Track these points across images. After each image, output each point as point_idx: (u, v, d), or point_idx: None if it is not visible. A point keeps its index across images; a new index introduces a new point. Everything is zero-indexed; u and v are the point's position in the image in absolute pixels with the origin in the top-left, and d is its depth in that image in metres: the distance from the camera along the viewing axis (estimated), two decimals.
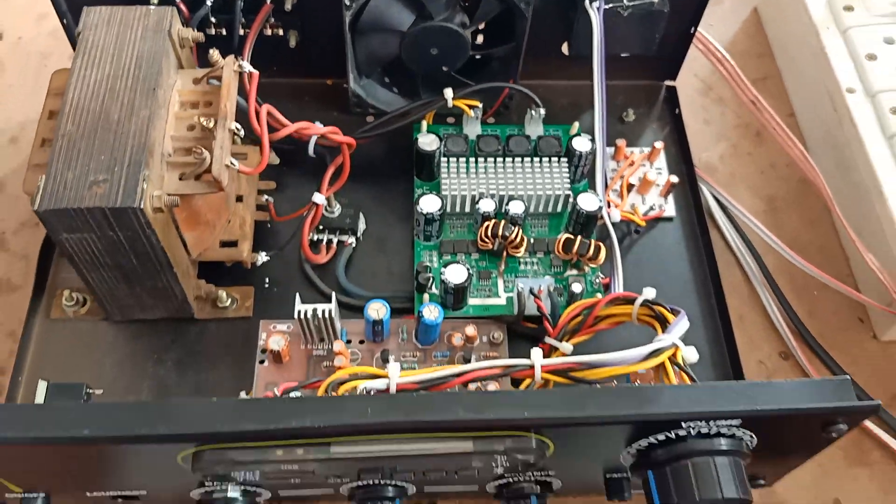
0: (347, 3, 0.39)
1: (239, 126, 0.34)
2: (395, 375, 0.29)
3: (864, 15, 0.46)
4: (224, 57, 0.35)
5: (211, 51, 0.35)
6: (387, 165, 0.44)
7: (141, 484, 0.30)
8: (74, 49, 0.34)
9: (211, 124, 0.33)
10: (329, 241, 0.40)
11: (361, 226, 0.41)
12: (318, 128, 0.37)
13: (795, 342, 0.41)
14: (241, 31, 0.41)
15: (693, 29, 0.43)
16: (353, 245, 0.41)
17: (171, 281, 0.35)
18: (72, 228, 0.31)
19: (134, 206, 0.30)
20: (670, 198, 0.43)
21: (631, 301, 0.34)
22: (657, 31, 0.42)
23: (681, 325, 0.31)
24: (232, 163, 0.33)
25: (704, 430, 0.27)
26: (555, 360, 0.30)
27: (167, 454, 0.27)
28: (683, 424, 0.27)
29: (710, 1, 0.43)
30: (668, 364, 0.30)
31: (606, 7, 0.40)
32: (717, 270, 0.41)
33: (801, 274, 0.43)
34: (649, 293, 0.34)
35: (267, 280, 0.40)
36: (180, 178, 0.33)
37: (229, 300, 0.39)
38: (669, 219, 0.43)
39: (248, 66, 0.36)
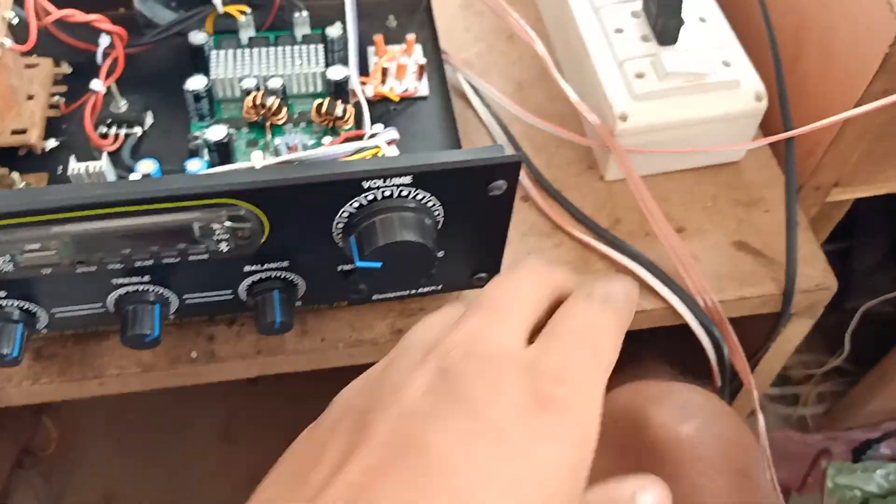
0: None
1: (13, 14, 0.40)
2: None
3: None
4: None
5: None
6: (172, 70, 0.49)
7: None
8: None
9: None
10: (117, 134, 0.46)
11: (149, 119, 0.47)
12: (82, 14, 0.43)
13: (535, 188, 0.48)
14: None
15: None
16: (139, 134, 0.46)
17: None
18: None
19: None
20: (424, 80, 0.50)
21: (360, 138, 0.41)
22: None
23: (389, 133, 0.38)
24: (3, 42, 0.39)
25: (387, 193, 0.34)
26: (273, 160, 0.36)
27: None
28: (364, 184, 0.33)
29: None
30: None
31: None
32: (458, 136, 0.47)
33: (541, 136, 0.50)
34: (389, 132, 0.40)
35: (60, 167, 0.44)
36: None
37: (23, 183, 0.43)
38: (424, 97, 0.50)
39: None
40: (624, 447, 0.35)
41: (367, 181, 0.33)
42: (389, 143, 0.37)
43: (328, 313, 0.42)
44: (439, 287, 0.41)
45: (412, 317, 0.42)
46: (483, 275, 0.40)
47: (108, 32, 0.45)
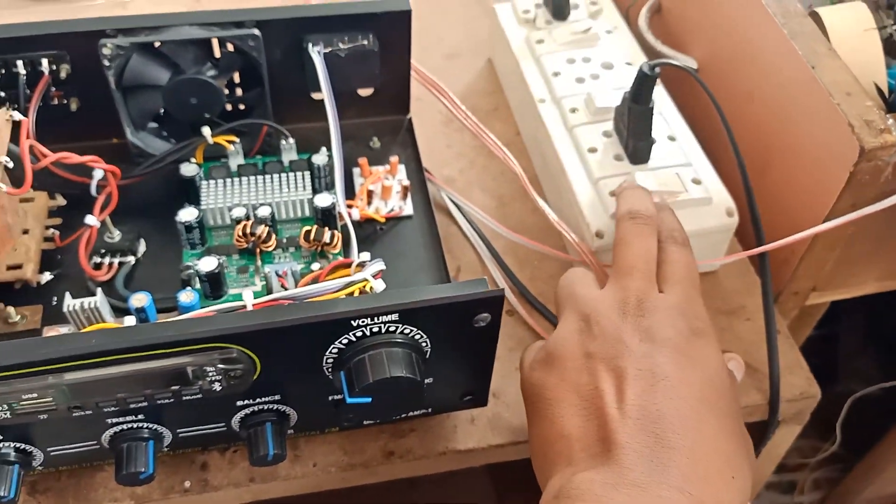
0: (107, 65, 0.47)
1: (8, 159, 0.41)
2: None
3: (551, 45, 0.57)
4: None
5: None
6: (164, 199, 0.51)
7: None
8: None
9: None
10: (111, 263, 0.47)
11: (142, 248, 0.48)
12: (76, 157, 0.45)
13: (519, 302, 0.50)
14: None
15: (408, 63, 0.54)
16: (133, 263, 0.47)
17: None
18: None
19: None
20: (408, 200, 0.52)
21: (349, 265, 0.42)
22: (374, 67, 0.52)
23: (375, 265, 0.39)
24: (0, 186, 0.40)
25: (375, 329, 0.35)
26: (264, 298, 0.37)
27: None
28: (353, 322, 0.34)
29: (452, 55, 0.53)
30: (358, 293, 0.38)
31: (326, 51, 0.50)
32: (444, 257, 0.49)
33: (523, 250, 0.52)
34: (376, 265, 0.42)
35: (55, 298, 0.46)
36: None
37: (19, 317, 0.44)
38: (409, 216, 0.52)
39: (17, 115, 0.43)
40: None
41: (356, 320, 0.34)
42: (376, 275, 0.39)
43: (319, 438, 0.43)
44: (429, 410, 0.42)
45: (403, 438, 0.43)
46: (471, 397, 0.41)
47: (104, 171, 0.47)
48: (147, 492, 0.40)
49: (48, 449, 0.37)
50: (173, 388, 0.34)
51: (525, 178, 0.50)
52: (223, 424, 0.38)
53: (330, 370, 0.36)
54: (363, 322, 0.34)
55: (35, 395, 0.32)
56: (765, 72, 0.50)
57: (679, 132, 0.51)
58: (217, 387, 0.35)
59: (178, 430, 0.38)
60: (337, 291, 0.38)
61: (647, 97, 0.46)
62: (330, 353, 0.35)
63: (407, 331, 0.35)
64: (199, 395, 0.35)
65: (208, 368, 0.34)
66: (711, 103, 0.49)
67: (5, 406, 0.33)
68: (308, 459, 0.42)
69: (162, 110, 0.51)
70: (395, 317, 0.34)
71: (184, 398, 0.35)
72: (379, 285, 0.39)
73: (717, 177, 0.49)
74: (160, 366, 0.33)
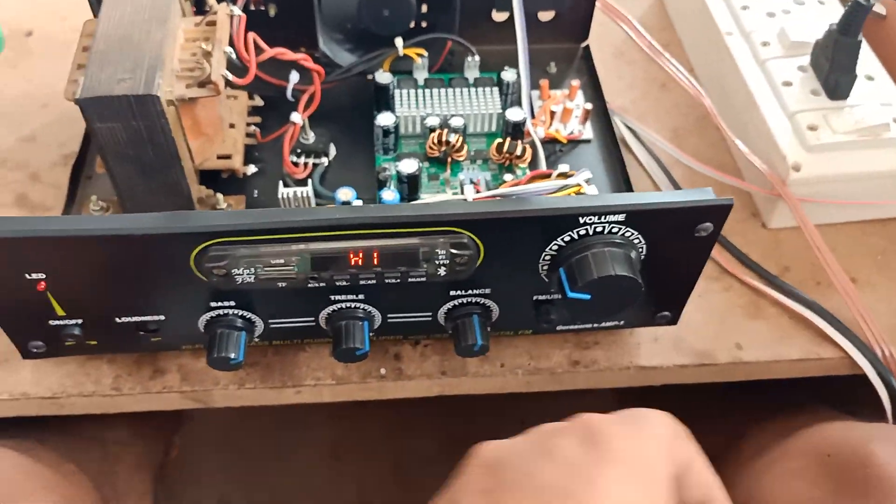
0: None
1: (231, 49, 0.43)
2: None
3: None
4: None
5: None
6: (351, 109, 0.52)
7: (161, 308, 0.38)
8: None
9: (209, 48, 0.43)
10: (306, 163, 0.49)
11: (332, 151, 0.50)
12: (291, 53, 0.46)
13: None
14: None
15: None
16: (326, 165, 0.49)
17: (179, 176, 0.43)
18: (103, 117, 0.40)
19: (152, 94, 0.39)
20: (588, 125, 0.52)
21: (548, 176, 0.43)
22: None
23: (584, 173, 0.40)
24: (226, 74, 0.42)
25: (598, 229, 0.36)
26: (484, 193, 0.38)
27: (183, 256, 0.34)
28: (580, 219, 0.35)
29: None
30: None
31: None
32: (629, 179, 0.49)
33: (702, 180, 0.52)
34: (584, 173, 0.42)
35: (256, 191, 0.48)
36: (186, 87, 0.42)
37: (226, 204, 0.47)
38: (588, 141, 0.52)
39: (237, 10, 0.45)
40: (840, 482, 0.36)
41: (584, 217, 0.35)
42: (588, 182, 0.39)
43: (505, 340, 0.44)
44: (621, 322, 0.42)
45: (587, 350, 0.44)
46: (666, 313, 0.42)
47: (309, 70, 0.48)
48: (346, 374, 0.42)
49: (270, 321, 0.39)
50: (402, 268, 0.36)
51: (712, 108, 0.50)
52: (429, 315, 0.40)
53: (546, 267, 0.37)
54: (590, 220, 0.35)
55: (282, 261, 0.34)
56: None
57: (877, 73, 0.50)
58: (442, 271, 0.36)
59: (389, 315, 0.40)
60: (553, 192, 0.38)
61: (856, 29, 0.45)
62: (549, 249, 0.36)
63: (628, 234, 0.36)
64: (423, 279, 0.36)
65: (439, 251, 0.35)
66: None
67: (251, 270, 0.35)
68: (495, 360, 0.43)
69: (349, 24, 0.52)
70: (621, 217, 0.35)
71: (408, 280, 0.36)
72: (591, 191, 0.39)
73: None
74: (397, 244, 0.35)
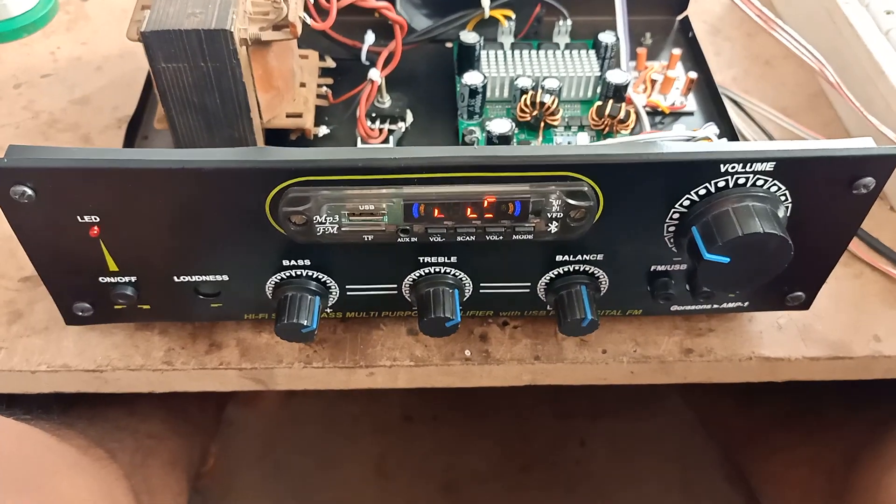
0: None
1: None
2: None
3: None
4: None
5: None
6: (430, 73, 0.48)
7: (224, 267, 0.33)
8: None
9: None
10: (381, 128, 0.44)
11: (409, 117, 0.45)
12: (373, 1, 0.42)
13: None
14: None
15: None
16: (403, 131, 0.45)
17: (246, 131, 0.39)
18: (169, 56, 0.35)
19: (226, 29, 0.35)
20: (690, 96, 0.47)
21: None
22: None
23: (712, 127, 0.35)
24: (303, 16, 0.38)
25: (741, 181, 0.30)
26: (608, 142, 0.33)
27: (259, 198, 0.30)
28: (722, 167, 0.30)
29: None
30: None
31: None
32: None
33: None
34: (710, 127, 0.37)
35: None
36: (260, 30, 0.38)
37: None
38: (690, 113, 0.47)
39: None
40: None
41: (726, 164, 0.30)
42: (718, 136, 0.34)
43: (606, 325, 0.39)
44: (745, 304, 0.37)
45: (701, 336, 0.38)
46: (799, 294, 0.36)
47: (387, 27, 0.44)
48: (426, 354, 0.37)
49: (346, 287, 0.34)
50: (507, 222, 0.31)
51: (837, 80, 0.45)
52: (528, 286, 0.35)
53: (673, 228, 0.32)
54: (733, 168, 0.30)
55: (371, 206, 0.30)
56: None
57: None
58: (553, 227, 0.31)
59: (481, 285, 0.35)
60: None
61: None
62: (680, 205, 0.31)
63: (774, 188, 0.30)
64: (530, 236, 0.31)
65: (553, 200, 0.30)
66: None
67: (335, 219, 0.30)
68: (596, 345, 0.38)
69: None
70: (769, 167, 0.30)
71: (513, 237, 0.31)
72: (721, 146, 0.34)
73: None
74: (503, 190, 0.30)
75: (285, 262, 0.33)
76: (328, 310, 0.35)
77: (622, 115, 0.42)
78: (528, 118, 0.43)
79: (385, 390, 0.38)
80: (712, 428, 0.67)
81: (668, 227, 0.32)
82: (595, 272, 0.34)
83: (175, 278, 0.33)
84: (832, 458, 0.43)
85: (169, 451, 0.54)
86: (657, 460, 0.83)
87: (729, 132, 0.44)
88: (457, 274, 0.34)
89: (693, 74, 0.47)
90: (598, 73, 0.44)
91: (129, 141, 0.43)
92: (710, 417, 0.65)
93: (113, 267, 0.32)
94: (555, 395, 0.85)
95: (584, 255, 0.33)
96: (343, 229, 0.30)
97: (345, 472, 0.84)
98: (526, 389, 0.38)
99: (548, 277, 0.34)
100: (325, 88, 0.45)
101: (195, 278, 0.33)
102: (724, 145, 0.31)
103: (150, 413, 0.54)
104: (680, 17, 0.53)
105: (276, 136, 0.43)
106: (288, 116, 0.42)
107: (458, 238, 0.31)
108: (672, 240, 0.32)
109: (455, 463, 0.84)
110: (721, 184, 0.30)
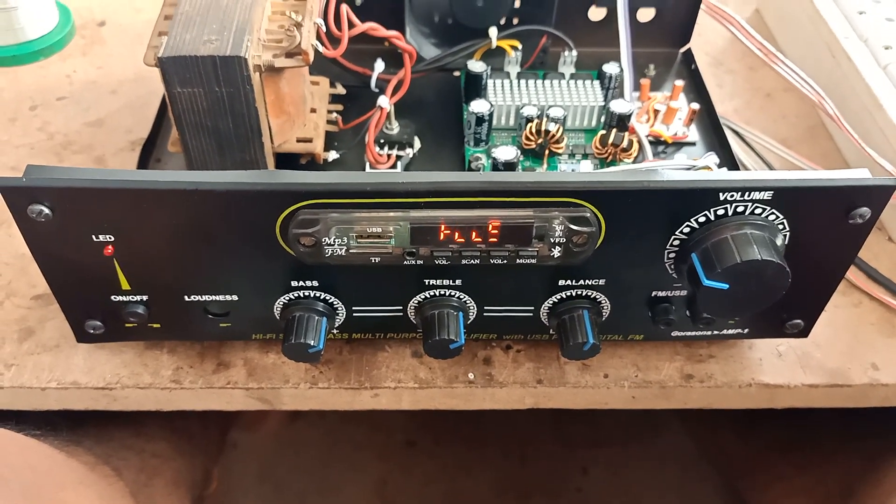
0: None
1: (322, 21, 0.40)
2: None
3: None
4: None
5: None
6: (438, 101, 0.49)
7: (234, 287, 0.34)
8: None
9: (300, 17, 0.40)
10: (389, 154, 0.45)
11: (417, 144, 0.46)
12: (383, 30, 0.43)
13: None
14: None
15: None
16: (411, 156, 0.45)
17: (258, 155, 0.40)
18: (185, 81, 0.36)
19: (240, 55, 0.36)
20: (693, 126, 0.48)
21: None
22: None
23: (713, 157, 0.36)
24: (315, 44, 0.39)
25: (739, 209, 0.31)
26: (611, 170, 0.34)
27: (269, 220, 0.30)
28: (721, 196, 0.30)
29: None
30: None
31: None
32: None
33: None
34: (711, 157, 0.38)
35: None
36: (273, 57, 0.39)
37: None
38: (692, 143, 0.48)
39: None
40: None
41: (725, 193, 0.30)
42: (718, 165, 0.35)
43: (608, 350, 0.39)
44: (745, 331, 0.37)
45: (702, 363, 0.39)
46: (798, 321, 0.37)
47: (396, 56, 0.45)
48: (430, 377, 0.38)
49: (353, 308, 0.35)
50: (511, 246, 0.31)
51: (836, 113, 0.46)
52: (531, 309, 0.35)
53: (673, 254, 0.33)
54: (731, 197, 0.30)
55: (378, 229, 0.30)
56: None
57: None
58: (556, 252, 0.32)
59: (485, 308, 0.35)
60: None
61: None
62: (680, 232, 0.32)
63: (772, 217, 0.31)
64: (533, 260, 0.32)
65: (556, 225, 0.31)
66: None
67: (343, 241, 0.31)
68: (598, 370, 0.38)
69: (437, 17, 0.49)
70: (767, 196, 0.30)
71: (516, 261, 0.32)
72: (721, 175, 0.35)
73: None
74: (507, 215, 0.30)
75: (294, 283, 0.33)
76: (335, 331, 0.36)
77: (625, 143, 0.43)
78: (534, 146, 0.44)
79: (387, 414, 0.38)
80: (712, 456, 0.68)
81: (668, 253, 0.33)
82: (597, 297, 0.35)
83: (185, 297, 0.34)
84: (830, 488, 0.44)
85: (173, 472, 0.55)
86: (658, 489, 0.82)
87: (730, 162, 0.45)
88: (461, 297, 0.34)
89: (695, 105, 0.47)
90: (602, 103, 0.45)
91: (143, 163, 0.44)
92: (709, 446, 0.66)
93: (125, 286, 0.33)
94: (556, 422, 0.86)
95: (587, 280, 0.34)
96: (351, 251, 0.31)
97: (345, 497, 0.84)
98: (528, 415, 0.39)
99: (550, 301, 0.35)
100: (335, 114, 0.46)
101: (205, 298, 0.34)
102: (724, 174, 0.32)
103: (155, 433, 0.54)
104: (683, 50, 0.54)
105: (287, 160, 0.44)
106: (298, 141, 0.43)
107: (463, 261, 0.32)
108: (672, 266, 0.33)
109: (456, 489, 0.83)
110: (720, 212, 0.31)
